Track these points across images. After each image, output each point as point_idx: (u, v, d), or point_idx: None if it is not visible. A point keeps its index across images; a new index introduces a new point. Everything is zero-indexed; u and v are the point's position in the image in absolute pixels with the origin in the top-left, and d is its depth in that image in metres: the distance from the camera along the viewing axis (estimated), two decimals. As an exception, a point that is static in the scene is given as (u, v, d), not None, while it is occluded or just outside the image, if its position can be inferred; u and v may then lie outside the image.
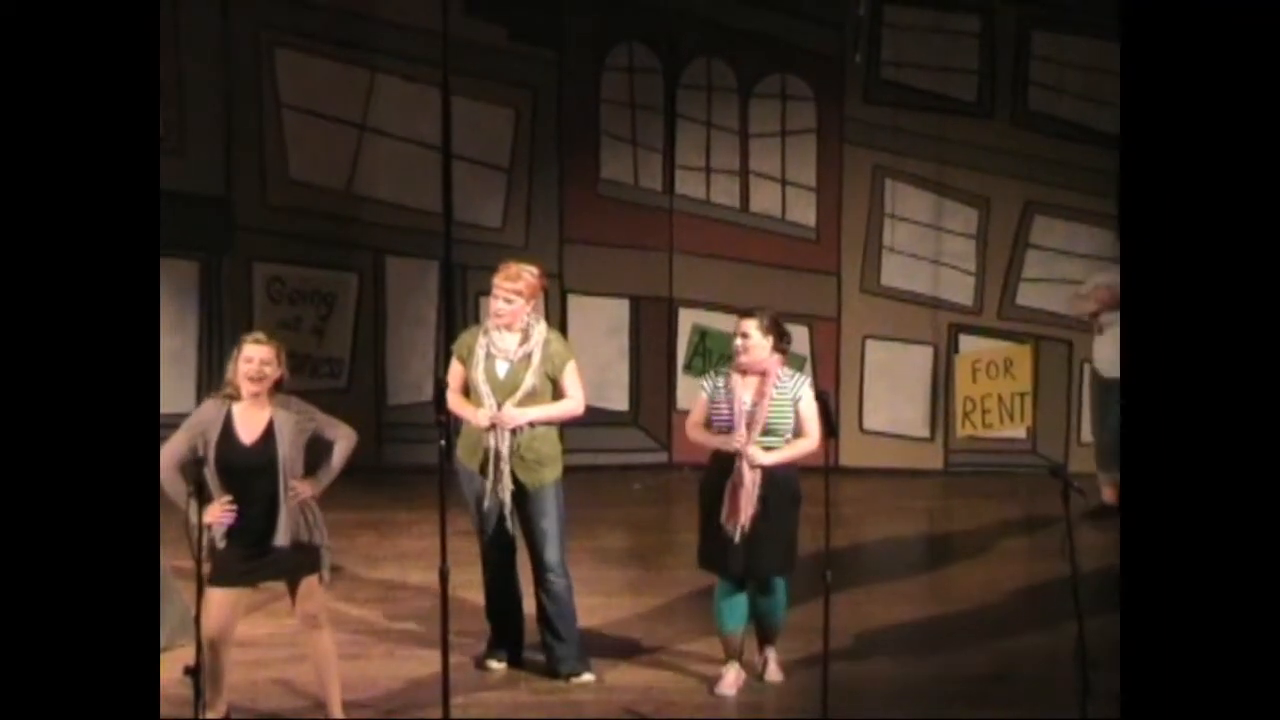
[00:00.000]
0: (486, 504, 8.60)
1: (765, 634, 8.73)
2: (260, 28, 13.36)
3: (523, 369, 8.56)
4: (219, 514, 7.52)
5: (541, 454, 8.62)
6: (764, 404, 8.38)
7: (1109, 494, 11.66)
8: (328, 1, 13.36)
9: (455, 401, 8.58)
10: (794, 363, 13.28)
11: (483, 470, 8.58)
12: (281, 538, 7.64)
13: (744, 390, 8.45)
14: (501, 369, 8.57)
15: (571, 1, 13.55)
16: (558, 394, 8.64)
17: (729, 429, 8.42)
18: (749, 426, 8.38)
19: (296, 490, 7.67)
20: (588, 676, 8.74)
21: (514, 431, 8.53)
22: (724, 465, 8.44)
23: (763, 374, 8.44)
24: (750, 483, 8.34)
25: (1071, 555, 7.21)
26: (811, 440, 8.40)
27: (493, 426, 8.51)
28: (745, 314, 8.56)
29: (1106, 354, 11.70)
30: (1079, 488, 7.31)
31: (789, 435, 8.44)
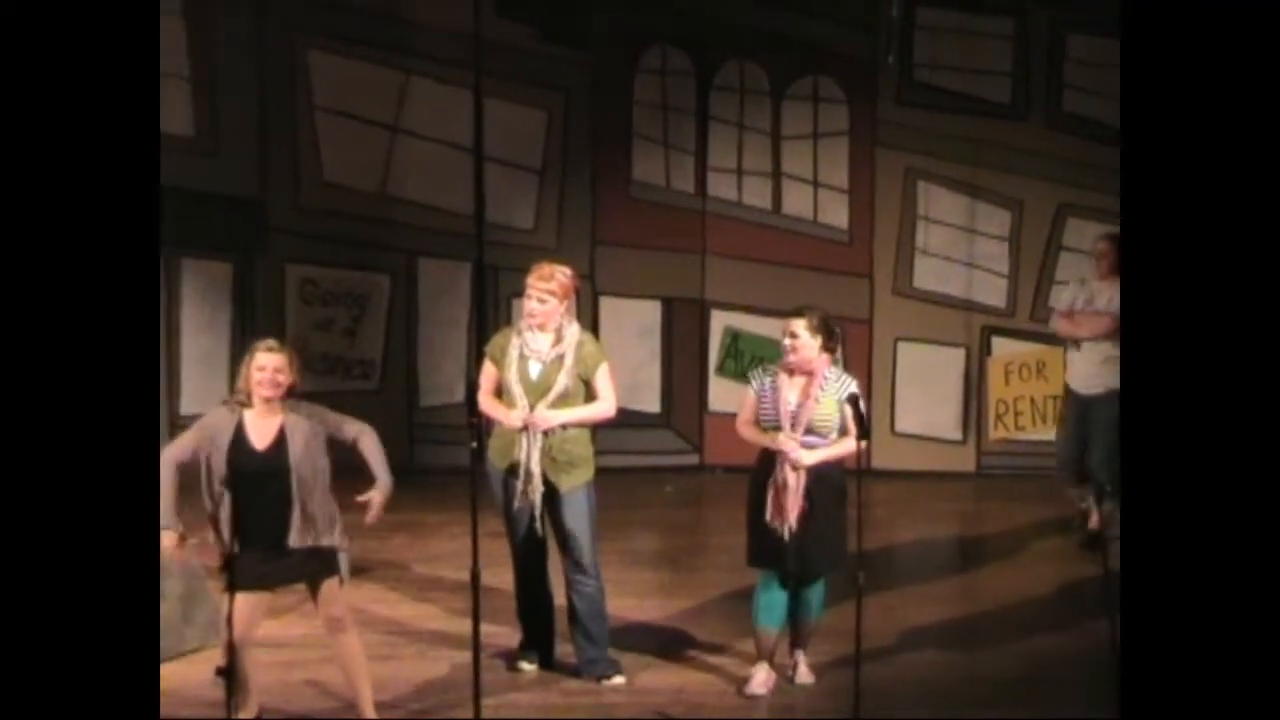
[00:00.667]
0: (517, 505, 8.59)
1: (799, 636, 8.71)
2: (293, 30, 13.39)
3: (555, 370, 8.55)
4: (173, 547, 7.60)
5: (573, 456, 8.61)
6: (809, 404, 8.35)
7: (1094, 520, 10.83)
8: (361, 4, 13.39)
9: (487, 403, 8.58)
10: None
11: (513, 472, 8.57)
12: (295, 539, 7.65)
13: (790, 390, 8.42)
14: (534, 370, 8.56)
15: (604, 3, 13.56)
16: (590, 396, 8.62)
17: (775, 428, 8.41)
18: (794, 426, 8.37)
19: (371, 505, 7.73)
20: (619, 679, 8.73)
21: (546, 433, 8.52)
22: (771, 463, 8.42)
23: (810, 374, 8.43)
24: (795, 482, 8.33)
25: (1104, 556, 7.19)
26: (853, 443, 8.36)
27: (525, 428, 8.51)
28: (794, 313, 8.50)
29: (1082, 370, 11.19)
30: (1112, 490, 7.28)
31: (834, 435, 8.42)
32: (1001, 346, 13.64)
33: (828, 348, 8.46)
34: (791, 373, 8.45)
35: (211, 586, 8.72)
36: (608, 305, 13.56)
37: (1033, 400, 13.56)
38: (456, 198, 13.43)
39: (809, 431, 8.37)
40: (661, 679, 8.79)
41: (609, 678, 8.72)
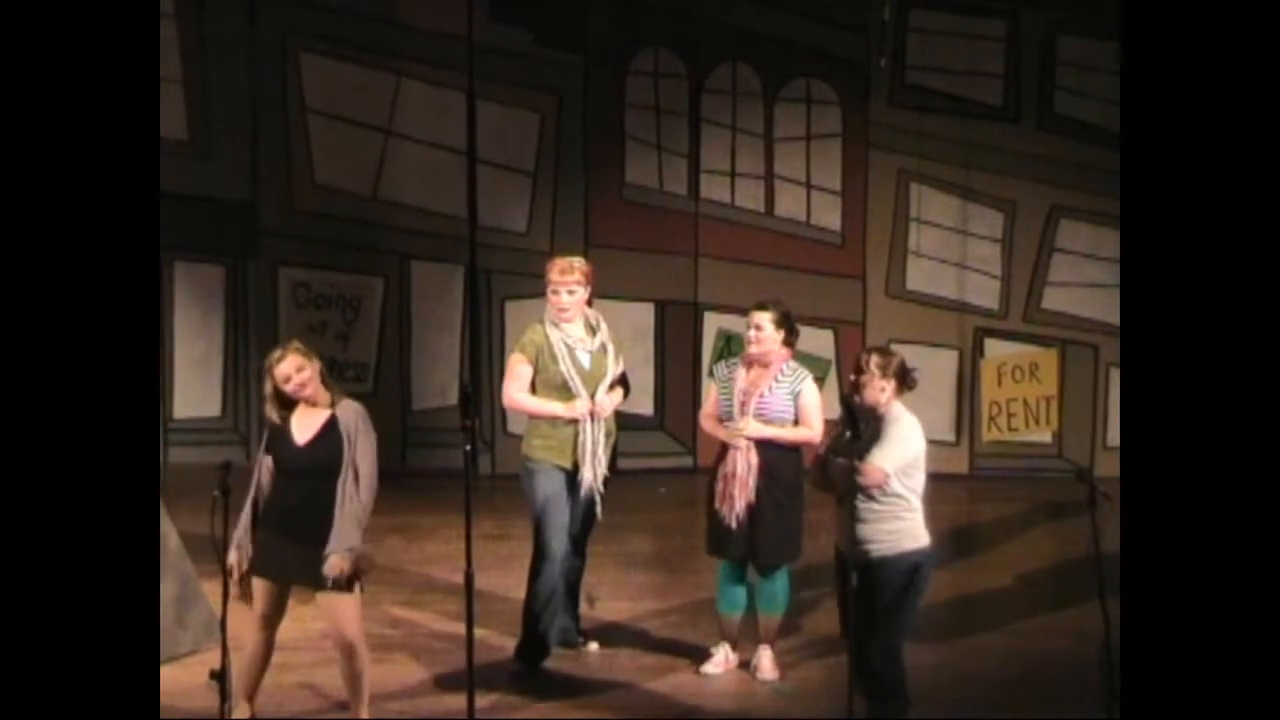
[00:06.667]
0: (583, 495, 8.68)
1: (759, 631, 8.78)
2: (285, 33, 13.40)
3: (603, 358, 8.76)
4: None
5: (614, 439, 8.84)
6: (754, 392, 8.50)
7: None
8: (352, 7, 13.40)
9: (530, 400, 8.70)
10: (820, 366, 13.35)
11: (575, 465, 8.66)
12: (334, 543, 7.46)
13: (744, 380, 8.56)
14: (584, 360, 8.72)
15: (596, 6, 13.57)
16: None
17: (731, 418, 8.56)
18: (741, 412, 8.50)
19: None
20: (594, 645, 9.09)
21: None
22: (727, 453, 8.59)
23: (767, 366, 8.56)
24: (743, 471, 8.48)
25: (1097, 561, 7.19)
26: (812, 431, 8.51)
27: (591, 417, 8.63)
28: (759, 306, 8.70)
29: (873, 529, 7.71)
30: (1105, 493, 7.29)
31: (787, 426, 8.56)
32: (994, 348, 13.66)
33: (788, 342, 8.63)
34: (751, 365, 8.56)
35: (207, 591, 8.72)
36: (601, 308, 13.43)
37: (1025, 402, 13.56)
38: (449, 201, 13.43)
39: (759, 420, 8.50)
40: (655, 680, 8.80)
41: (586, 644, 9.06)
